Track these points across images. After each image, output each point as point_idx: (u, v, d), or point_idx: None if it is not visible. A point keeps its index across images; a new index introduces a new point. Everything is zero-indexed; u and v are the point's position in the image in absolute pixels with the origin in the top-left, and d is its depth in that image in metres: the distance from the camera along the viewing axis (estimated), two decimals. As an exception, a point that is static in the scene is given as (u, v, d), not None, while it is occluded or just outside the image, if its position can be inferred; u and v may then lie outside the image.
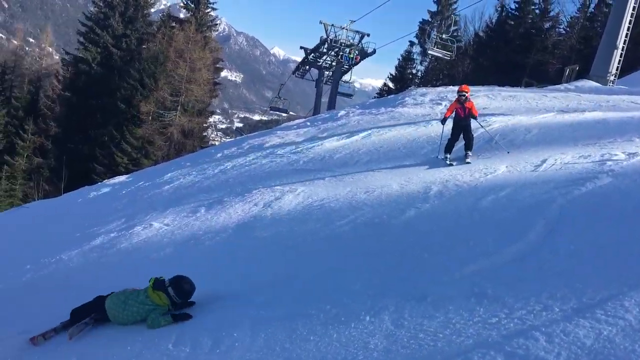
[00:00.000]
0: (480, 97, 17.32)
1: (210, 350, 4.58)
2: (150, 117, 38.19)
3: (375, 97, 38.72)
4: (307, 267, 6.34)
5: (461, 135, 11.28)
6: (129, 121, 37.97)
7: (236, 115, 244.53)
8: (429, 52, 36.03)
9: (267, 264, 7.05)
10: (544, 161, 8.95)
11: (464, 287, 4.57)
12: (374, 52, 38.82)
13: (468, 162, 10.44)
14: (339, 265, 6.05)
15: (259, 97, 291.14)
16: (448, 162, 10.82)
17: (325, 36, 37.76)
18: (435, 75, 42.37)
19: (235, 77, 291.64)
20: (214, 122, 73.32)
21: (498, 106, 15.80)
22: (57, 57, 55.37)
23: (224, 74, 62.59)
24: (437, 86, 26.84)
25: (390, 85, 46.29)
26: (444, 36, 35.03)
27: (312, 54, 40.46)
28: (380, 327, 4.19)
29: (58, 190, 36.66)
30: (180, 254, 9.18)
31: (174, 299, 6.03)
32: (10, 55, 48.92)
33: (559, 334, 3.47)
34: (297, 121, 25.27)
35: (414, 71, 44.82)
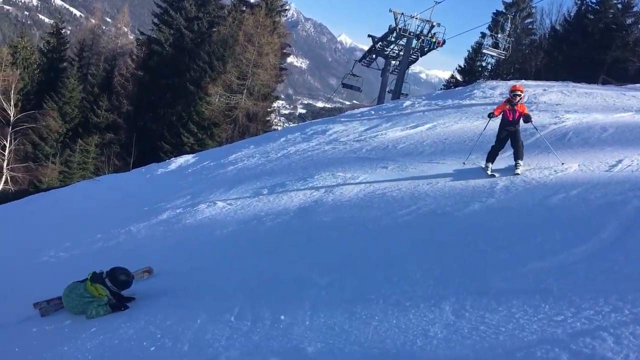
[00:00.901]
0: (554, 93, 16.71)
1: (270, 326, 4.70)
2: (217, 99, 39.00)
3: (441, 89, 37.98)
4: (367, 254, 6.37)
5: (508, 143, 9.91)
6: (197, 102, 38.87)
7: (300, 102, 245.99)
8: (483, 51, 36.24)
9: (328, 248, 7.13)
10: (619, 161, 8.57)
11: (528, 283, 4.48)
12: (443, 42, 38.01)
13: (517, 174, 8.95)
14: (400, 254, 6.05)
15: (323, 84, 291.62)
16: (489, 172, 9.46)
17: (394, 25, 37.28)
18: (507, 69, 41.05)
19: (301, 64, 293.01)
20: (278, 107, 74.09)
21: (572, 103, 15.19)
22: (132, 37, 57.25)
23: (290, 59, 63.03)
24: (508, 80, 26.05)
25: (459, 77, 45.25)
26: (499, 36, 34.97)
27: (380, 43, 40.05)
28: (440, 317, 4.18)
29: (127, 166, 38.19)
30: (242, 233, 9.40)
31: (112, 289, 6.40)
32: (88, 33, 50.98)
33: (627, 336, 3.37)
34: (361, 110, 25.19)
35: (484, 64, 43.63)
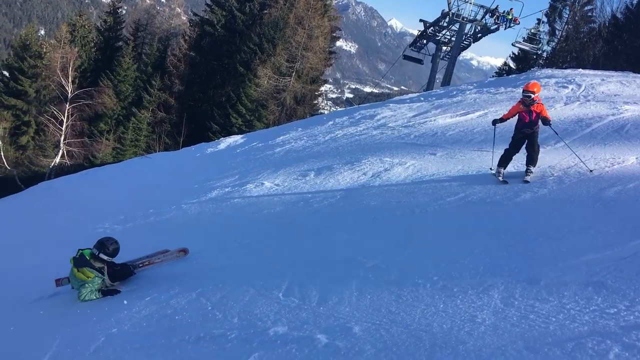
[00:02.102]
0: (613, 83, 16.11)
1: (317, 304, 4.80)
2: (265, 81, 39.27)
3: (493, 76, 37.17)
4: (414, 238, 6.38)
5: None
6: (246, 84, 39.24)
7: (347, 86, 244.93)
8: (515, 44, 35.63)
9: (374, 231, 7.17)
10: (680, 156, 8.26)
11: (581, 275, 4.42)
12: (497, 28, 37.10)
13: (526, 181, 8.29)
14: (448, 239, 6.03)
15: (371, 69, 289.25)
16: (501, 178, 8.79)
17: (447, 9, 36.59)
18: (563, 57, 39.73)
19: (350, 47, 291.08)
20: (325, 90, 74.06)
21: (632, 94, 14.62)
22: (185, 18, 58.12)
23: (339, 43, 62.74)
24: (565, 68, 25.24)
25: (512, 64, 44.08)
26: (532, 30, 34.66)
27: (432, 28, 39.41)
28: (488, 304, 4.18)
29: (177, 144, 39.06)
30: (289, 213, 9.54)
31: (107, 260, 6.70)
32: (143, 13, 52.05)
33: (684, 332, 3.30)
34: (409, 95, 24.95)
35: (539, 51, 42.36)
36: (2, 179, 37.17)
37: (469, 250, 5.39)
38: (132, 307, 5.58)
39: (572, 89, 15.89)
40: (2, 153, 37.23)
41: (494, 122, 9.67)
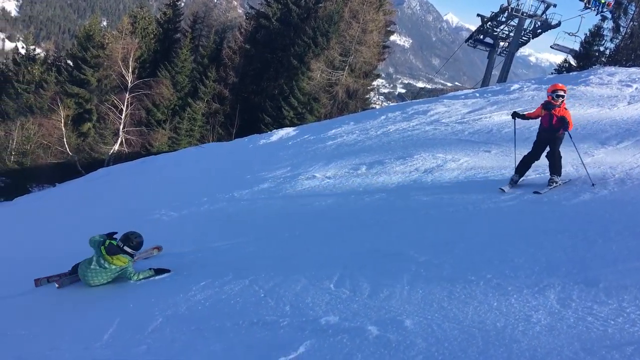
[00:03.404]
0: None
1: (369, 296, 4.83)
2: (318, 75, 39.39)
3: (552, 73, 35.99)
4: (467, 235, 6.31)
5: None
6: (299, 77, 39.46)
7: (400, 81, 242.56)
8: (552, 47, 34.87)
9: (426, 226, 7.14)
10: None
11: (643, 279, 4.28)
12: (558, 24, 35.99)
13: (537, 192, 7.65)
14: (502, 238, 5.94)
15: (425, 64, 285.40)
16: (507, 186, 8.22)
17: (506, 4, 35.74)
18: (627, 55, 38.09)
19: (404, 42, 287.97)
20: (378, 85, 73.59)
21: (703, 94, 13.95)
22: (241, 11, 59.01)
23: (393, 37, 62.14)
24: (629, 66, 24.21)
25: (572, 62, 42.64)
26: (569, 33, 34.37)
27: (489, 23, 38.61)
28: (544, 304, 4.11)
29: (230, 135, 39.76)
30: (340, 206, 9.60)
31: (132, 253, 7.11)
32: (201, 6, 53.07)
33: None
34: (464, 91, 24.54)
35: (601, 48, 40.74)
36: (65, 165, 38.82)
37: (524, 250, 5.30)
38: (188, 291, 5.76)
39: (636, 88, 15.27)
40: (65, 139, 38.83)
41: (514, 114, 9.10)
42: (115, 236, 7.47)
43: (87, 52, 42.26)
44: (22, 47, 48.15)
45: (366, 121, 19.86)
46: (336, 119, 27.68)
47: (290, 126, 30.14)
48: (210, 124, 42.31)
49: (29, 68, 44.25)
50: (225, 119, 42.85)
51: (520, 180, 8.59)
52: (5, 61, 54.64)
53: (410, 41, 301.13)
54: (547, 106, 8.18)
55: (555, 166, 8.08)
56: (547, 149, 8.32)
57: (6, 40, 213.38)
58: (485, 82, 38.64)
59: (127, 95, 39.79)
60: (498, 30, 38.99)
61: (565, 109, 8.14)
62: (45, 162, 38.54)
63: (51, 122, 38.95)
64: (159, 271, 7.00)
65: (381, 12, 41.30)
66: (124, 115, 39.83)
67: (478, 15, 39.55)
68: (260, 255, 7.10)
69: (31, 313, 6.66)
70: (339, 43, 39.95)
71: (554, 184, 7.91)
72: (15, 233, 16.35)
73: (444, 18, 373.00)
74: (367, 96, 47.42)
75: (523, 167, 8.54)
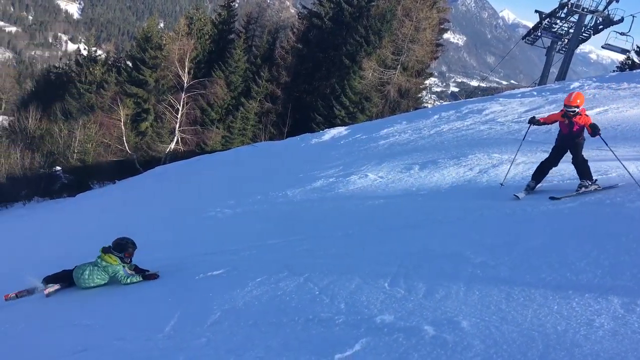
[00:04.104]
0: None
1: (424, 296, 4.81)
2: (370, 74, 39.24)
3: (614, 71, 34.60)
4: (524, 237, 6.17)
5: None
6: (351, 76, 39.43)
7: (453, 79, 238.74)
8: (603, 46, 33.45)
9: (482, 227, 7.03)
10: None
11: None
12: (621, 20, 34.51)
13: (554, 198, 7.49)
14: (562, 240, 5.78)
15: (480, 62, 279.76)
16: (522, 193, 8.09)
17: (565, 0, 34.61)
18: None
19: (458, 40, 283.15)
20: (430, 84, 72.69)
21: None
22: (293, 11, 59.42)
23: (446, 35, 61.23)
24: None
25: (635, 59, 40.86)
26: (621, 33, 33.00)
27: (547, 19, 37.47)
28: (607, 308, 3.99)
29: (281, 134, 40.18)
30: (393, 206, 9.58)
31: (117, 255, 7.65)
32: (255, 7, 53.79)
33: None
34: (521, 90, 23.95)
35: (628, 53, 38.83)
36: (124, 162, 40.22)
37: (586, 252, 5.15)
38: (244, 287, 5.89)
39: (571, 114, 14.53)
40: (124, 138, 40.24)
41: (531, 120, 8.89)
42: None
43: (146, 53, 43.63)
44: (84, 49, 50.21)
45: (419, 120, 19.70)
46: (388, 118, 27.55)
47: (341, 125, 30.20)
48: (263, 123, 42.87)
49: (91, 69, 46.16)
50: (277, 118, 43.31)
51: (538, 186, 8.40)
52: (68, 62, 57.19)
53: (464, 39, 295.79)
54: (567, 114, 7.94)
55: (582, 172, 7.89)
56: (567, 154, 8.17)
57: (69, 42, 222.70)
58: (543, 80, 37.54)
59: (183, 95, 40.84)
60: (557, 26, 37.79)
61: (586, 115, 7.93)
62: (106, 160, 40.08)
63: (111, 121, 40.47)
64: (147, 277, 7.65)
65: (435, 9, 40.74)
66: (179, 114, 40.91)
67: (536, 11, 38.44)
68: (314, 254, 7.17)
69: (97, 304, 6.97)
70: (391, 42, 39.66)
71: (583, 189, 7.72)
72: (80, 226, 17.09)
73: (500, 15, 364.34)
74: (420, 95, 46.92)
75: (540, 173, 8.38)
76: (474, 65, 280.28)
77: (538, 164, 8.60)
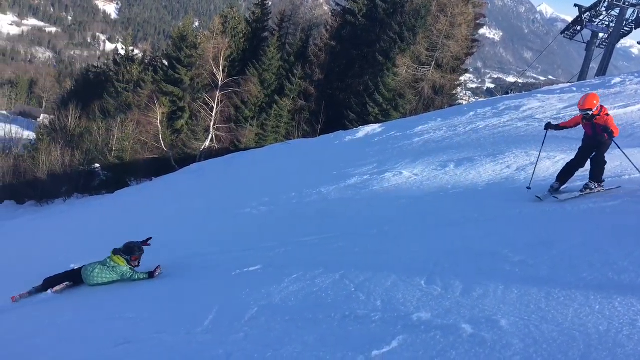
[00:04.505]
0: None
1: (461, 294, 4.78)
2: (404, 71, 38.95)
3: (658, 66, 33.61)
4: (564, 236, 6.06)
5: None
6: (384, 73, 39.19)
7: (488, 76, 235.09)
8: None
9: (520, 225, 6.94)
10: None
11: None
12: (665, 13, 33.48)
13: (555, 198, 7.59)
14: (604, 239, 5.66)
15: (516, 57, 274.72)
16: (543, 195, 7.95)
17: (606, -7, 33.73)
18: None
19: (494, 35, 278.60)
20: (465, 80, 71.74)
21: None
22: (327, 8, 59.35)
23: (482, 31, 60.31)
24: None
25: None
26: None
27: (587, 13, 36.57)
28: (652, 309, 3.90)
29: (315, 132, 40.23)
30: (429, 203, 9.51)
31: (126, 258, 8.31)
32: (288, 4, 53.96)
33: None
34: (560, 85, 23.43)
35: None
36: (160, 160, 40.93)
37: (629, 252, 5.03)
38: (281, 283, 5.95)
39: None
40: (160, 136, 40.93)
41: (547, 126, 8.71)
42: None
43: (181, 52, 44.25)
44: (122, 48, 51.28)
45: (454, 117, 19.48)
46: (423, 115, 27.34)
47: (374, 123, 30.08)
48: (296, 120, 42.99)
49: (128, 68, 47.12)
50: (311, 115, 43.37)
51: (563, 187, 8.19)
52: (106, 62, 58.55)
53: (501, 34, 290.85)
54: (587, 117, 7.77)
55: (595, 172, 7.76)
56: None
57: (107, 41, 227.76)
58: (582, 75, 36.67)
59: (217, 93, 41.30)
60: (597, 20, 36.84)
61: (607, 115, 7.69)
62: (143, 158, 40.84)
63: (148, 119, 41.19)
64: (152, 274, 8.21)
65: (470, 4, 40.12)
66: (214, 112, 41.38)
67: (575, 5, 37.60)
68: (349, 251, 7.19)
69: (138, 298, 7.15)
70: (425, 38, 39.26)
71: (587, 191, 7.63)
72: (118, 222, 17.50)
73: (538, 9, 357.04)
74: (454, 92, 46.30)
75: (566, 174, 8.18)
76: (510, 60, 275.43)
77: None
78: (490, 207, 8.17)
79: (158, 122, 40.83)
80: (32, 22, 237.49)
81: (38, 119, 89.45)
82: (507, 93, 34.49)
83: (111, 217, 19.71)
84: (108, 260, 8.38)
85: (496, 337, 3.83)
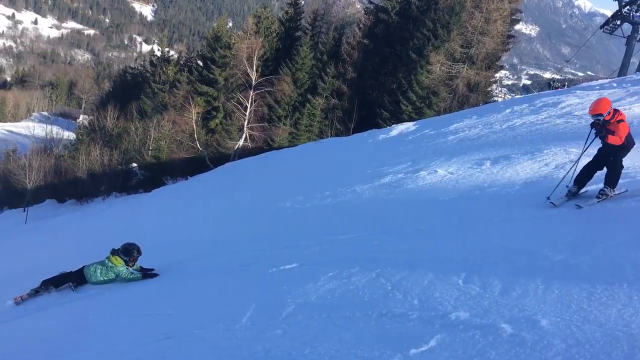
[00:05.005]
0: None
1: (500, 294, 4.73)
2: (438, 68, 38.56)
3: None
4: (607, 235, 5.95)
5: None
6: (418, 71, 38.88)
7: (525, 72, 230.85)
8: None
9: (560, 224, 6.81)
10: None
11: None
12: None
13: (579, 206, 7.24)
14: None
15: (553, 53, 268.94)
16: (561, 199, 7.69)
17: (648, -15, 32.72)
18: None
19: (530, 31, 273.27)
20: (500, 77, 70.53)
21: None
22: (359, 7, 59.16)
23: (518, 26, 59.23)
24: None
25: None
26: None
27: (628, 7, 35.56)
28: (699, 310, 3.80)
29: (347, 130, 40.18)
30: (464, 202, 9.42)
31: (124, 258, 8.89)
32: (321, 3, 54.01)
33: None
34: (599, 81, 22.87)
35: None
36: (195, 159, 41.53)
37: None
38: (317, 281, 5.99)
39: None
40: (195, 135, 41.52)
41: (596, 126, 7.87)
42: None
43: (215, 52, 44.78)
44: (158, 50, 52.15)
45: (490, 115, 19.21)
46: (457, 112, 27.04)
47: (408, 121, 29.89)
48: (329, 119, 43.01)
49: (164, 69, 47.91)
50: (344, 114, 43.32)
51: (582, 191, 7.92)
52: (143, 63, 59.67)
53: (537, 29, 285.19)
54: (599, 123, 7.51)
55: (611, 177, 7.45)
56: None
57: (143, 43, 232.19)
58: (622, 71, 35.66)
59: (251, 92, 41.65)
60: (638, 14, 35.75)
61: (618, 122, 7.35)
62: (178, 157, 41.51)
63: (183, 119, 41.84)
64: (146, 275, 8.87)
65: (506, 0, 39.47)
66: (248, 111, 41.75)
67: (615, -1, 36.59)
68: (385, 249, 7.19)
69: (177, 295, 7.29)
70: (460, 34, 38.77)
71: (604, 197, 7.33)
72: (156, 221, 17.86)
73: (575, 3, 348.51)
74: (489, 89, 45.63)
75: (585, 176, 7.88)
76: (547, 56, 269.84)
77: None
78: (528, 206, 8.04)
79: (193, 121, 41.42)
80: (72, 24, 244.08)
81: (77, 120, 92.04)
82: (563, 86, 33.46)
83: (150, 215, 20.11)
84: (107, 260, 8.93)
85: (537, 337, 3.78)
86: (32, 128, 60.09)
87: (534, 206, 7.92)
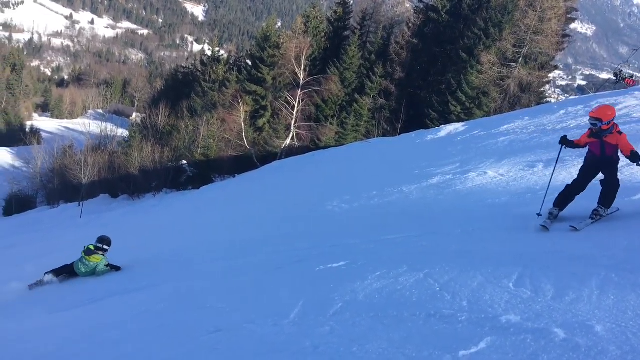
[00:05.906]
0: None
1: (553, 298, 4.63)
2: (489, 68, 37.84)
3: None
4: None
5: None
6: (468, 70, 38.27)
7: (580, 72, 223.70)
8: None
9: (617, 229, 6.60)
10: None
11: None
12: None
13: (574, 228, 6.67)
14: None
15: (610, 53, 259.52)
16: (544, 222, 7.03)
17: None
18: None
19: (586, 30, 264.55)
20: (554, 77, 68.62)
21: None
22: (409, 6, 58.69)
23: (573, 25, 57.48)
24: None
25: None
26: None
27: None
28: None
29: (395, 131, 39.95)
30: (516, 205, 9.25)
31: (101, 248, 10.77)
32: (370, 3, 53.85)
33: None
34: (660, 82, 21.96)
35: None
36: (243, 157, 42.16)
37: None
38: (364, 280, 6.00)
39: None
40: (243, 134, 42.13)
41: (562, 140, 7.70)
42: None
43: (264, 52, 45.28)
44: (208, 49, 53.23)
45: (542, 116, 18.75)
46: (508, 113, 26.51)
47: (457, 122, 29.48)
48: (376, 119, 42.86)
49: (214, 68, 48.84)
50: (391, 114, 43.09)
51: (565, 213, 7.41)
52: (194, 62, 61.00)
53: (594, 28, 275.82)
54: (597, 134, 6.98)
55: (607, 196, 6.95)
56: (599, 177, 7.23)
57: (194, 43, 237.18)
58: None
59: (299, 92, 41.95)
60: None
61: (619, 132, 6.89)
62: (227, 155, 42.21)
63: (232, 117, 42.51)
64: (113, 267, 10.62)
65: (562, -2, 38.37)
66: (295, 111, 42.07)
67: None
68: (433, 250, 7.13)
69: (227, 289, 7.46)
70: (512, 34, 37.94)
71: (597, 217, 6.85)
72: (205, 216, 18.24)
73: (634, 2, 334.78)
74: (542, 89, 44.46)
75: (565, 199, 7.36)
76: (604, 56, 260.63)
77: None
78: (582, 209, 7.82)
79: (241, 120, 42.03)
80: (126, 24, 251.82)
81: (130, 117, 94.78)
82: (632, 77, 31.88)
83: (200, 212, 20.55)
84: (85, 260, 10.54)
85: (591, 343, 3.70)
86: (87, 125, 62.25)
87: (588, 210, 7.69)
